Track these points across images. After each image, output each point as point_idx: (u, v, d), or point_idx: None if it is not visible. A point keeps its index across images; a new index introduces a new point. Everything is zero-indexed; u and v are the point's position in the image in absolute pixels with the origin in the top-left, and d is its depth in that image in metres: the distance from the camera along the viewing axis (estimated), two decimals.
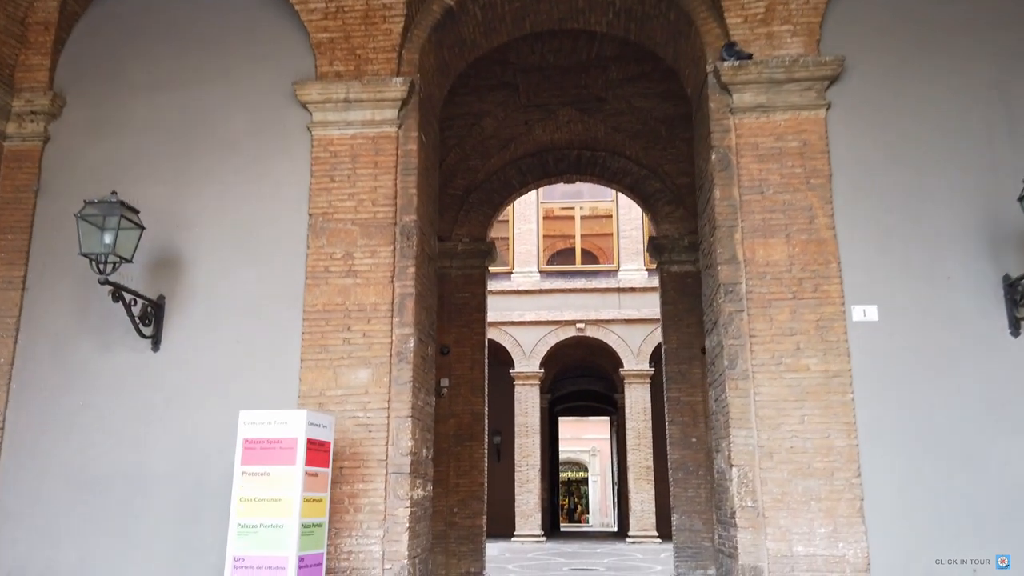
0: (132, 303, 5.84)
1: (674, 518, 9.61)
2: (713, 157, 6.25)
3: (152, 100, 6.66)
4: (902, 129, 6.19)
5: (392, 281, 6.12)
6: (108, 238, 5.52)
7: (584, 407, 32.30)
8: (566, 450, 34.79)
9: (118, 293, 5.66)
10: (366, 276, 6.14)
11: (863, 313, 5.84)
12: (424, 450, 6.33)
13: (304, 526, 4.92)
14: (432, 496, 6.67)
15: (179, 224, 6.37)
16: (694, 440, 9.73)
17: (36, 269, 6.33)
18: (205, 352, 6.08)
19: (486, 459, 10.38)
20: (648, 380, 20.50)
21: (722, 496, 5.99)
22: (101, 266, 5.51)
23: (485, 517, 10.15)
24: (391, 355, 5.98)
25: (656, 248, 10.70)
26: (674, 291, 10.44)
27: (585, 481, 39.75)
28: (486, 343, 10.83)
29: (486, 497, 10.25)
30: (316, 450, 5.16)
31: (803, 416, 5.63)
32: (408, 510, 5.70)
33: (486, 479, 10.29)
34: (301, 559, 4.85)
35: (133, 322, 5.85)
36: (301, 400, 5.88)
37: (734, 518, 5.54)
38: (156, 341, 6.09)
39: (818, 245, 5.97)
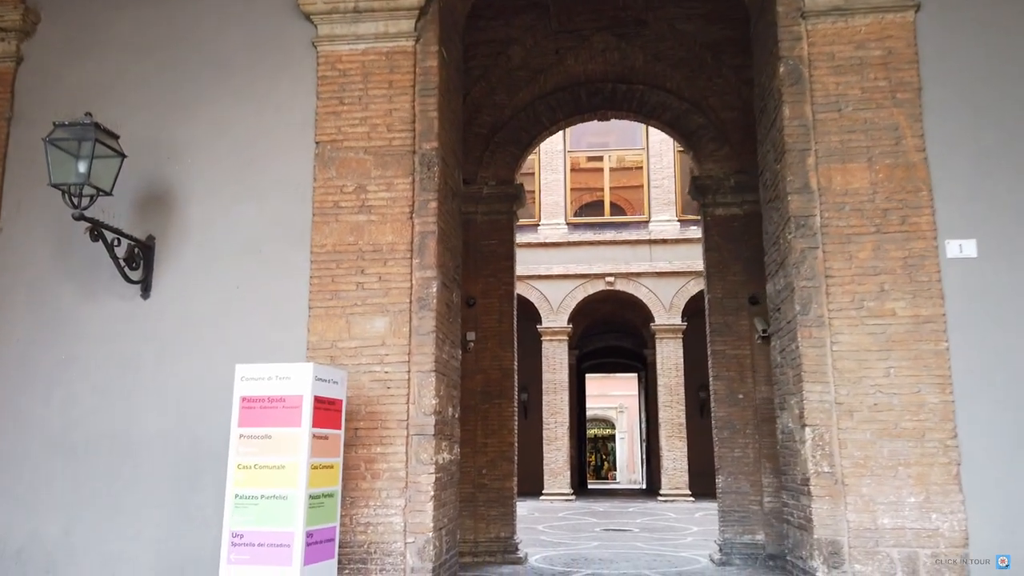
0: (115, 243, 5.15)
1: (719, 480, 8.90)
2: (781, 70, 5.36)
3: (137, 15, 5.88)
4: (1005, 32, 5.29)
5: (411, 217, 5.37)
6: (82, 166, 4.80)
7: (611, 364, 31.70)
8: (593, 407, 34.28)
9: (97, 231, 4.96)
10: (381, 212, 5.39)
11: (959, 248, 5.00)
12: (450, 409, 5.64)
13: (312, 497, 4.25)
14: (459, 459, 6.00)
15: (169, 155, 5.64)
16: (741, 396, 8.95)
17: (10, 206, 5.65)
18: (201, 299, 5.39)
19: (516, 417, 9.70)
20: (680, 335, 19.76)
21: (790, 460, 5.24)
22: (75, 199, 4.81)
23: (516, 479, 9.52)
24: (411, 301, 5.26)
25: (699, 189, 9.79)
26: (719, 236, 9.55)
27: (612, 438, 39.36)
28: (515, 294, 10.07)
29: (516, 457, 9.60)
30: (325, 409, 4.47)
31: (889, 368, 4.84)
32: (432, 476, 5.03)
33: (516, 438, 9.63)
34: (309, 535, 4.19)
35: (117, 265, 5.17)
36: (310, 352, 5.19)
37: (807, 485, 4.79)
38: (146, 287, 5.41)
39: (906, 170, 5.12)
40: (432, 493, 5.01)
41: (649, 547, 10.44)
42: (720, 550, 8.71)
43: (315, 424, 4.33)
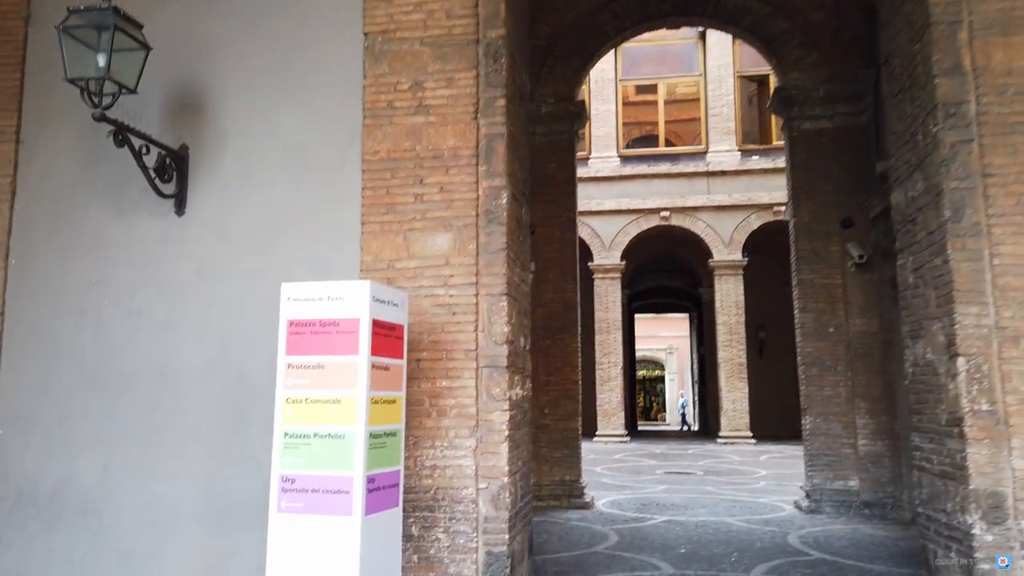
0: (144, 151, 4.50)
1: (806, 421, 8.16)
2: None
3: None
4: None
5: (475, 118, 4.62)
6: (102, 59, 4.12)
7: (661, 304, 30.87)
8: (642, 348, 33.59)
9: (121, 135, 4.32)
10: (441, 112, 4.64)
11: None
12: (521, 339, 4.96)
13: (373, 436, 3.64)
14: (531, 395, 5.36)
15: (202, 53, 4.95)
16: (831, 330, 8.12)
17: (31, 115, 5.04)
18: (241, 216, 4.76)
19: (579, 354, 9.05)
20: (741, 271, 18.83)
21: (927, 397, 4.45)
22: (95, 97, 4.15)
23: (580, 419, 8.92)
24: (477, 215, 4.55)
25: (783, 102, 8.78)
26: (806, 152, 8.58)
27: (661, 379, 38.74)
28: (577, 221, 9.30)
29: (580, 396, 8.99)
30: (385, 335, 3.82)
31: None
32: (507, 414, 4.39)
33: (580, 376, 9.00)
34: (370, 479, 3.59)
35: (147, 176, 4.54)
36: (364, 274, 4.55)
37: (958, 426, 4.01)
38: (180, 202, 4.79)
39: None
40: (506, 433, 4.38)
41: (721, 491, 9.82)
42: (807, 496, 8.02)
43: (374, 352, 3.69)
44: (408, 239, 4.57)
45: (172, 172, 4.74)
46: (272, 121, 4.82)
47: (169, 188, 4.73)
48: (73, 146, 4.98)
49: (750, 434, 17.96)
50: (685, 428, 28.53)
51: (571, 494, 8.50)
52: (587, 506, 8.40)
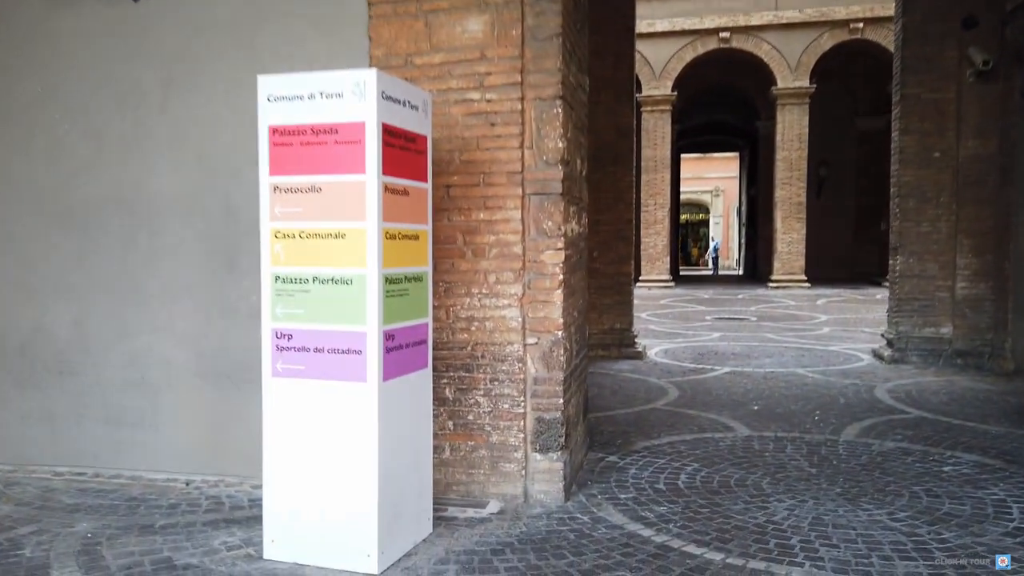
0: None
1: (896, 261, 7.13)
2: None
3: None
4: None
5: None
6: None
7: (709, 142, 29.06)
8: (686, 190, 32.11)
9: None
10: None
11: None
12: (578, 160, 3.95)
13: (391, 281, 2.76)
14: (587, 232, 4.42)
15: None
16: (937, 155, 6.88)
17: None
18: None
19: (634, 189, 8.01)
20: (807, 100, 17.14)
21: None
22: None
23: (633, 263, 8.03)
24: None
25: None
26: None
27: (704, 223, 37.47)
28: (635, 30, 7.92)
29: (634, 238, 8.04)
30: (402, 148, 2.84)
31: None
32: (561, 253, 3.47)
33: (634, 215, 8.01)
34: (389, 336, 2.75)
35: None
36: None
37: None
38: None
39: None
40: (561, 277, 3.48)
41: (782, 339, 9.03)
42: (890, 344, 7.16)
43: (386, 170, 2.73)
44: (430, 24, 3.46)
45: None
46: None
47: None
48: None
49: (804, 278, 17.05)
50: (714, 272, 27.84)
51: (622, 343, 7.78)
52: (639, 356, 7.70)
